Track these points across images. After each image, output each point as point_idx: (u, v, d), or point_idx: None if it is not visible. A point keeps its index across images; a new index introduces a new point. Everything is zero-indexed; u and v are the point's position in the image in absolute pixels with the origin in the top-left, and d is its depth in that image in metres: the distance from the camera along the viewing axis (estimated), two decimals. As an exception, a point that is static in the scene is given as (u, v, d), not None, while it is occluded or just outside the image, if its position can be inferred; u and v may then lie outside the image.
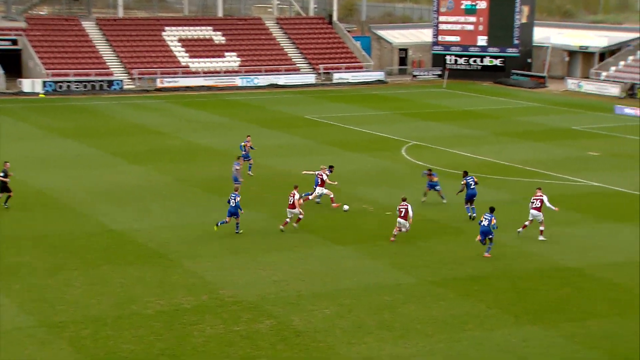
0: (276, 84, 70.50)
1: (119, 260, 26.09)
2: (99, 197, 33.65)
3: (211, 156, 42.48)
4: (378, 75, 74.41)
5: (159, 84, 67.55)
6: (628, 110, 56.12)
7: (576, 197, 34.20)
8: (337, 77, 72.89)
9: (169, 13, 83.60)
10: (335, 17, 79.53)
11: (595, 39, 73.81)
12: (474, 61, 75.15)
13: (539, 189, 29.10)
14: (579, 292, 23.66)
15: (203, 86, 68.73)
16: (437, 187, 32.43)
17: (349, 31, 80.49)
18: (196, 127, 51.36)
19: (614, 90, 64.45)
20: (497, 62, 74.32)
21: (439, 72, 75.03)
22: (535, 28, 76.31)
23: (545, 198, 28.26)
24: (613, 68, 68.14)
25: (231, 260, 26.33)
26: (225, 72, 70.91)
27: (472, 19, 74.64)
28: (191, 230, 29.41)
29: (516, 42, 73.55)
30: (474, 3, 74.38)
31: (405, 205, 27.89)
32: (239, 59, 72.66)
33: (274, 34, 77.01)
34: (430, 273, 25.28)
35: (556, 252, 27.25)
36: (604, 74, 67.88)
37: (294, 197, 29.29)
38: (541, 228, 28.32)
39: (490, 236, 26.59)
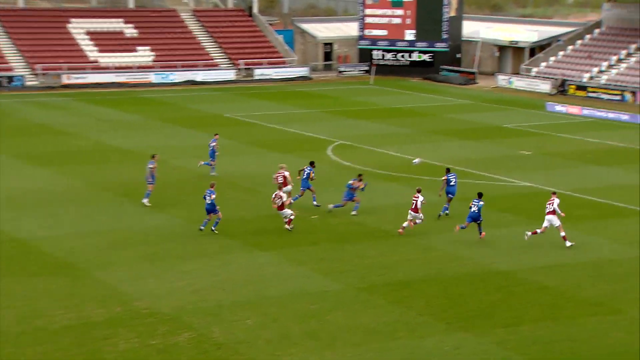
0: (194, 81, 69.98)
1: (22, 272, 25.49)
2: (0, 203, 32.82)
3: (124, 157, 41.89)
4: (302, 71, 74.58)
5: (65, 80, 66.28)
6: (559, 108, 57.65)
7: (508, 197, 34.94)
8: (258, 73, 72.78)
9: (76, 4, 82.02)
10: (255, 10, 79.40)
11: (526, 33, 75.56)
12: (402, 56, 76.01)
13: (554, 193, 29.32)
14: (511, 297, 24.18)
15: (114, 82, 67.76)
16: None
17: (270, 24, 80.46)
18: (107, 126, 50.58)
19: (545, 86, 66.14)
20: (425, 57, 75.31)
21: (366, 68, 75.66)
22: (464, 22, 77.65)
23: (556, 202, 28.53)
24: (544, 64, 69.90)
25: (147, 269, 26.01)
26: (138, 67, 70.04)
27: (400, 12, 75.48)
28: (102, 238, 28.93)
29: (445, 36, 74.69)
30: (401, -5, 75.25)
31: (417, 196, 29.25)
32: (152, 53, 71.84)
33: (191, 27, 76.44)
34: (358, 279, 25.46)
35: (488, 255, 27.79)
36: (535, 69, 69.58)
37: (281, 199, 29.62)
38: (562, 234, 28.44)
39: (479, 221, 28.71)
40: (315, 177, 32.91)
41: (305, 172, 32.70)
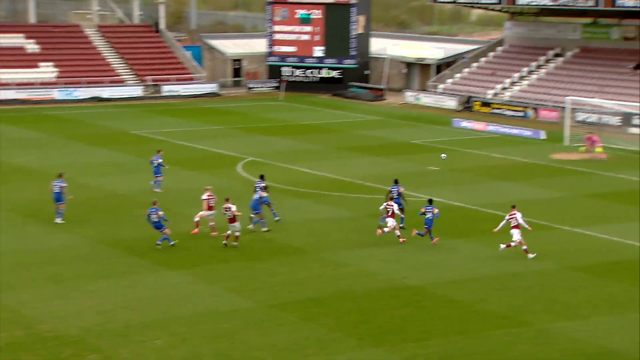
0: (99, 97, 68.84)
1: None
2: None
3: (26, 177, 40.87)
4: (211, 87, 74.27)
5: (-37, 97, 64.35)
6: (465, 124, 58.94)
7: (417, 213, 35.47)
8: (166, 89, 72.13)
9: (-27, 18, 79.85)
10: (162, 25, 78.74)
11: (432, 50, 77.09)
12: (311, 73, 76.50)
13: (514, 207, 29.91)
14: (420, 311, 24.54)
15: (15, 99, 66.09)
16: (265, 201, 32.61)
17: (178, 40, 79.91)
18: (8, 144, 49.26)
19: (451, 102, 67.55)
20: (334, 73, 75.99)
21: (276, 84, 75.85)
22: (372, 39, 78.72)
23: (519, 216, 29.22)
24: (450, 80, 71.42)
25: (51, 290, 25.41)
26: (40, 84, 68.51)
27: (308, 28, 76.04)
28: (4, 259, 28.13)
29: (353, 53, 75.57)
30: (309, 12, 75.84)
31: (392, 204, 30.45)
32: (55, 69, 70.39)
33: (95, 43, 75.27)
34: (269, 296, 25.44)
35: (398, 270, 28.16)
36: (441, 86, 71.03)
37: (230, 210, 29.44)
38: (524, 247, 29.20)
39: (430, 227, 30.25)
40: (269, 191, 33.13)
41: (257, 188, 32.62)
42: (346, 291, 26.03)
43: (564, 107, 55.44)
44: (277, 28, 76.56)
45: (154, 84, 72.11)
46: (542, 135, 54.17)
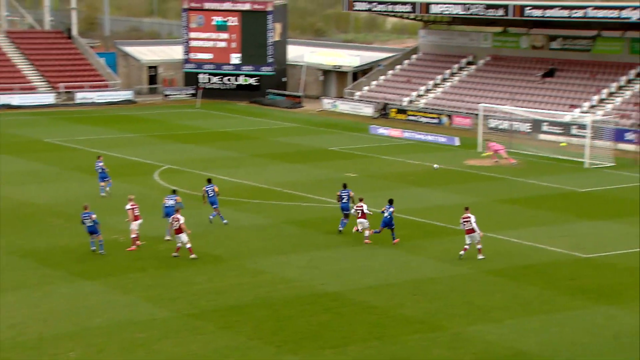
0: (9, 105, 67.16)
1: None
2: None
3: None
4: (126, 94, 73.25)
5: None
6: (382, 130, 59.55)
7: (335, 219, 35.63)
8: (80, 96, 70.83)
9: None
10: (75, 32, 77.32)
11: (348, 58, 77.70)
12: (228, 80, 76.22)
13: (467, 208, 30.38)
14: (339, 317, 24.64)
15: None
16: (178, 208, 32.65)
17: (91, 47, 78.56)
18: None
19: (368, 110, 68.17)
20: (252, 81, 75.89)
21: (192, 91, 75.29)
22: (289, 46, 78.94)
23: (473, 218, 29.79)
24: (366, 88, 72.08)
25: (-40, 304, 24.62)
26: (-53, 91, 66.49)
27: (225, 35, 75.74)
28: None
29: (270, 60, 75.60)
30: (225, 19, 75.55)
31: (361, 205, 31.86)
32: (-36, 76, 68.44)
33: (5, 49, 73.41)
34: (187, 305, 25.19)
35: (316, 277, 28.23)
36: (358, 93, 71.62)
37: (178, 221, 28.95)
38: (479, 247, 30.04)
39: (392, 227, 31.42)
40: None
41: (209, 190, 33.73)
42: (264, 299, 25.96)
43: (476, 114, 56.58)
44: (193, 35, 76.01)
45: (66, 91, 70.70)
46: (457, 141, 55.14)
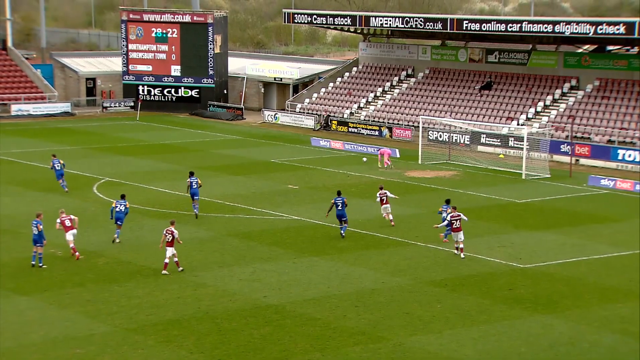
0: (-57, 116, 65.72)
1: None
2: None
3: None
4: (64, 106, 72.29)
5: None
6: (323, 142, 59.77)
7: (277, 231, 35.64)
8: (15, 108, 69.70)
9: None
10: (10, 43, 76.13)
11: (289, 70, 77.90)
12: (169, 92, 75.76)
13: (454, 208, 32.13)
14: (281, 330, 24.62)
15: None
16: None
17: (27, 58, 77.42)
18: None
19: (309, 122, 68.38)
20: (192, 92, 75.55)
21: (132, 104, 74.61)
22: (230, 59, 78.82)
23: (463, 217, 31.73)
24: (307, 100, 72.29)
25: None
26: None
27: (164, 47, 75.29)
28: None
29: (211, 72, 75.37)
30: (164, 31, 75.12)
31: (384, 191, 35.72)
32: None
33: (-61, 60, 71.86)
34: (126, 320, 24.92)
35: (258, 289, 28.17)
36: (300, 105, 71.79)
37: (172, 234, 28.66)
38: (461, 246, 31.85)
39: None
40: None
41: (193, 182, 36.06)
42: (206, 312, 25.81)
43: (417, 126, 57.10)
44: (132, 47, 75.37)
45: (1, 103, 69.44)
46: (397, 153, 55.61)
